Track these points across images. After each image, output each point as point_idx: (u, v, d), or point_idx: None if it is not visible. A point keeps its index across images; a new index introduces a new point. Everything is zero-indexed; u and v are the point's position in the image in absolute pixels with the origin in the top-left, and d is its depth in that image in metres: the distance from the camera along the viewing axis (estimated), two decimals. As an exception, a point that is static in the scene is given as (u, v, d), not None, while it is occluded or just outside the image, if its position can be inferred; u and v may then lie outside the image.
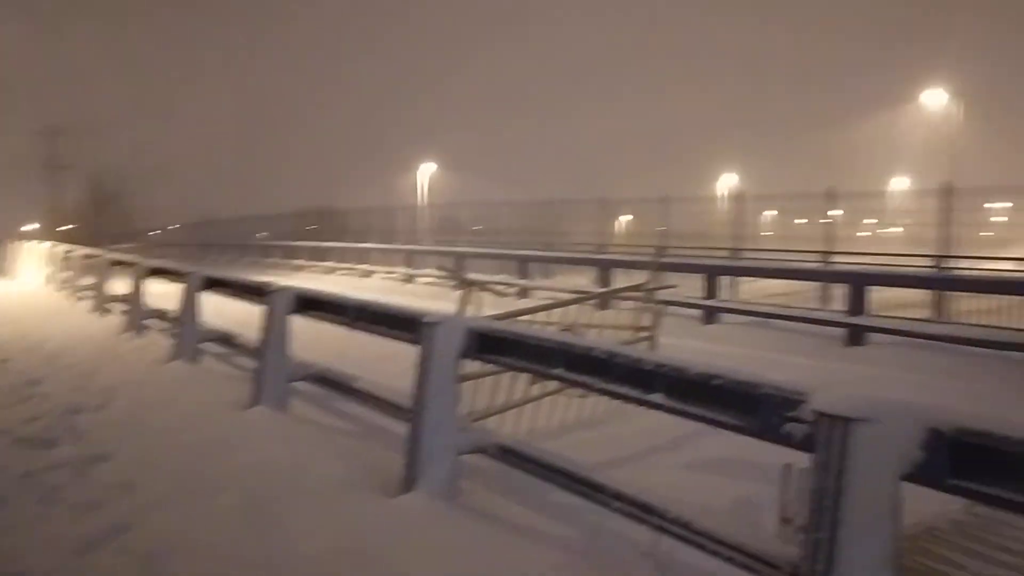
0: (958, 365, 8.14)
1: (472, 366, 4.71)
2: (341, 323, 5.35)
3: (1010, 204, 22.11)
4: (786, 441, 2.46)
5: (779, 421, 2.47)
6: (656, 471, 4.81)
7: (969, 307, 11.60)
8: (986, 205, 21.63)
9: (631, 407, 3.33)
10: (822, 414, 2.26)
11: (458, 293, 7.31)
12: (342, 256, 24.11)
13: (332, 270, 23.03)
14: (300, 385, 6.03)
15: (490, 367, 4.76)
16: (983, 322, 10.46)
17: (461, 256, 18.40)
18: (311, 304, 5.75)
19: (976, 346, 8.43)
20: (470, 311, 5.98)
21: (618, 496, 3.39)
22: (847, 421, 2.18)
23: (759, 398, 2.56)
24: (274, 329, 5.76)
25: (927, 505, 3.65)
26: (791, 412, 2.43)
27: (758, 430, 2.58)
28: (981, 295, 10.85)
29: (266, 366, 5.68)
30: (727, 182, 39.49)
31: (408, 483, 3.97)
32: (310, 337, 6.31)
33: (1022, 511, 1.99)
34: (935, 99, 28.39)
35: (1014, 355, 8.08)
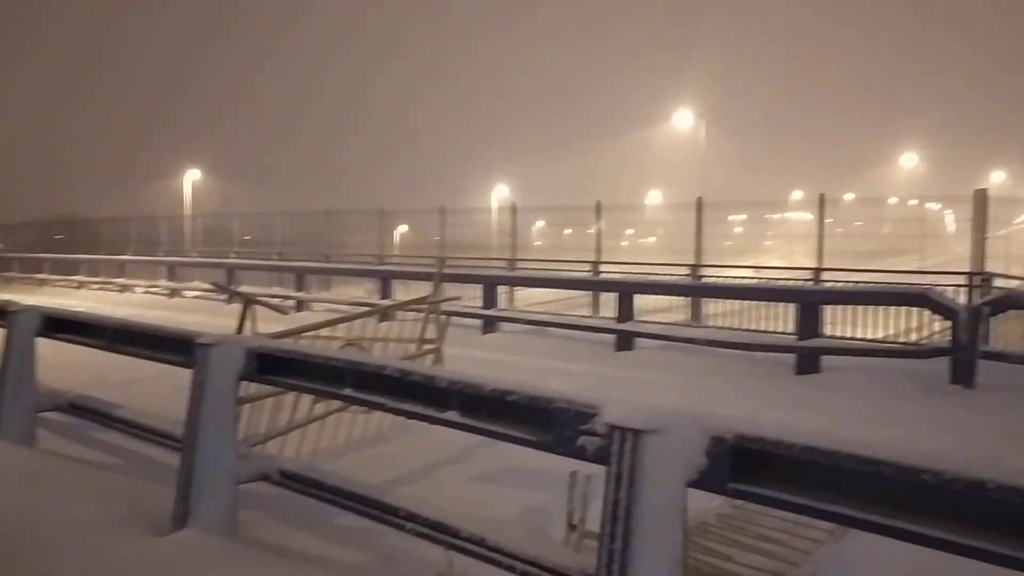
0: (712, 365, 8.87)
1: (251, 386, 4.44)
2: (99, 346, 4.84)
3: (744, 216, 24.61)
4: (580, 455, 2.51)
5: (573, 435, 2.52)
6: (445, 486, 4.79)
7: (716, 310, 12.74)
8: (729, 218, 23.88)
9: (416, 421, 3.27)
10: (614, 427, 2.33)
11: (229, 308, 6.89)
12: (94, 269, 22.05)
13: (83, 284, 21.01)
14: (51, 416, 5.39)
15: (270, 388, 4.51)
16: (729, 325, 11.57)
17: (232, 268, 17.46)
18: (62, 325, 5.16)
19: (726, 348, 9.25)
20: (247, 328, 5.64)
21: (411, 517, 3.32)
22: (638, 433, 2.25)
23: (553, 413, 2.60)
24: (15, 354, 5.10)
25: (695, 502, 3.94)
26: (584, 426, 2.49)
27: (553, 445, 2.62)
28: (727, 300, 11.97)
29: (5, 396, 5.02)
30: (499, 194, 40.64)
31: (180, 519, 3.65)
32: (65, 361, 5.66)
33: (793, 509, 2.15)
34: (684, 119, 31.00)
35: (756, 355, 8.96)
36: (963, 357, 7.44)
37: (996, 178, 46.03)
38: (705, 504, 4.03)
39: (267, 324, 6.06)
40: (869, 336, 9.75)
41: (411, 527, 3.31)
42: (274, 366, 3.74)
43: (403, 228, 24.62)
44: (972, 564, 1.86)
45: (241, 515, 3.84)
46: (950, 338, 7.59)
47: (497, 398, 2.80)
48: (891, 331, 9.95)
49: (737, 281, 13.18)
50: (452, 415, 2.97)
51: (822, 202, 13.50)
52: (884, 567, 3.44)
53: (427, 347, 6.39)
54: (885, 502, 1.97)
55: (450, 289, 8.97)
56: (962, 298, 10.00)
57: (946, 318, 7.70)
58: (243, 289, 10.99)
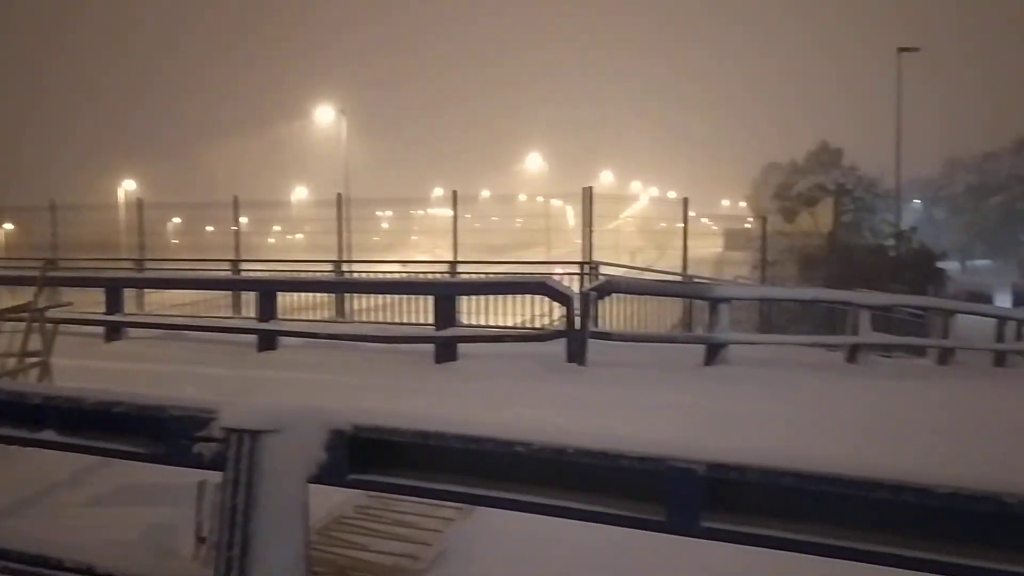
0: (356, 361, 8.97)
1: None
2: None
3: (391, 212, 25.24)
4: (197, 463, 2.38)
5: (189, 443, 2.38)
6: (57, 514, 4.27)
7: (365, 306, 12.92)
8: (377, 213, 24.30)
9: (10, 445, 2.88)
10: (230, 430, 2.24)
11: None
12: None
13: None
14: None
15: None
16: (377, 319, 11.80)
17: None
18: None
19: (371, 342, 9.42)
20: None
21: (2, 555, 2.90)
22: (255, 434, 2.19)
23: (166, 422, 2.43)
24: None
25: (335, 496, 3.96)
26: (201, 432, 2.37)
27: (168, 456, 2.45)
28: (374, 295, 12.19)
29: None
30: (126, 189, 37.18)
31: None
32: None
33: (408, 492, 2.25)
34: (326, 116, 30.92)
35: (402, 348, 9.25)
36: (576, 338, 8.35)
37: (605, 178, 52.32)
38: (343, 497, 4.07)
39: None
40: (511, 323, 10.57)
41: (3, 565, 2.89)
42: None
43: (8, 227, 21.68)
44: (585, 527, 2.09)
45: None
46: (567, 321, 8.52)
47: (102, 411, 2.55)
48: (527, 317, 10.89)
49: (378, 276, 13.47)
50: (49, 434, 2.65)
51: (455, 199, 14.30)
52: (510, 536, 3.73)
53: (31, 361, 5.64)
54: (490, 476, 2.14)
55: (68, 295, 8.03)
56: (576, 285, 11.24)
57: (561, 304, 8.60)
58: None
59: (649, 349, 9.71)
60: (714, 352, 8.83)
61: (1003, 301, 33.74)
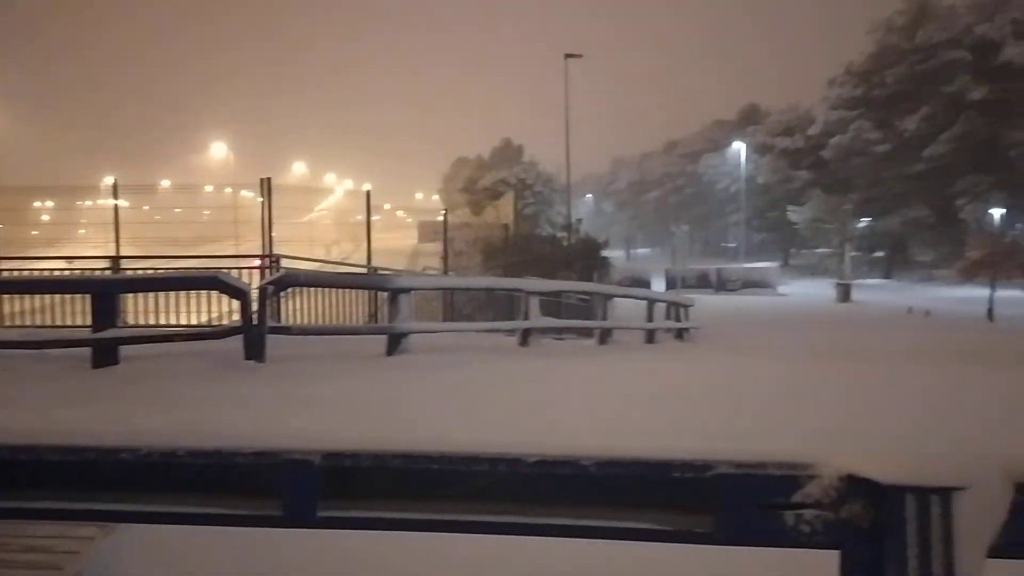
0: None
1: None
2: None
3: (52, 203, 22.57)
4: None
5: None
6: None
7: (14, 309, 11.44)
8: (36, 204, 21.56)
9: None
10: None
11: None
12: None
13: None
14: None
15: None
16: (35, 323, 10.47)
17: None
18: None
19: (17, 349, 8.37)
20: None
21: None
22: None
23: None
24: None
25: None
26: None
27: None
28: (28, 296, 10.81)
29: None
30: None
31: None
32: None
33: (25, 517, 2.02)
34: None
35: (53, 353, 8.30)
36: (254, 334, 8.06)
37: (298, 169, 51.12)
38: None
39: None
40: (198, 323, 9.91)
41: None
42: None
43: None
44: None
45: None
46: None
47: None
48: (217, 315, 10.29)
49: (26, 275, 11.97)
50: None
51: (115, 188, 13.12)
52: (153, 552, 3.50)
53: None
54: (94, 487, 1.98)
55: None
56: (257, 280, 10.84)
57: (236, 299, 8.25)
58: None
59: (336, 342, 9.67)
60: (395, 342, 9.00)
61: (658, 284, 38.31)
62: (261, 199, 11.74)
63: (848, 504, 1.68)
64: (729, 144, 66.13)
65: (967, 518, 1.59)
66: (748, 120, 73.23)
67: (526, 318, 10.79)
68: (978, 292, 34.07)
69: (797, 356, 12.38)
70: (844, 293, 40.91)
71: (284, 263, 11.48)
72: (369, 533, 2.02)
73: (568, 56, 29.53)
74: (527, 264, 19.25)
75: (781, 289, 46.70)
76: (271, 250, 11.80)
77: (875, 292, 45.06)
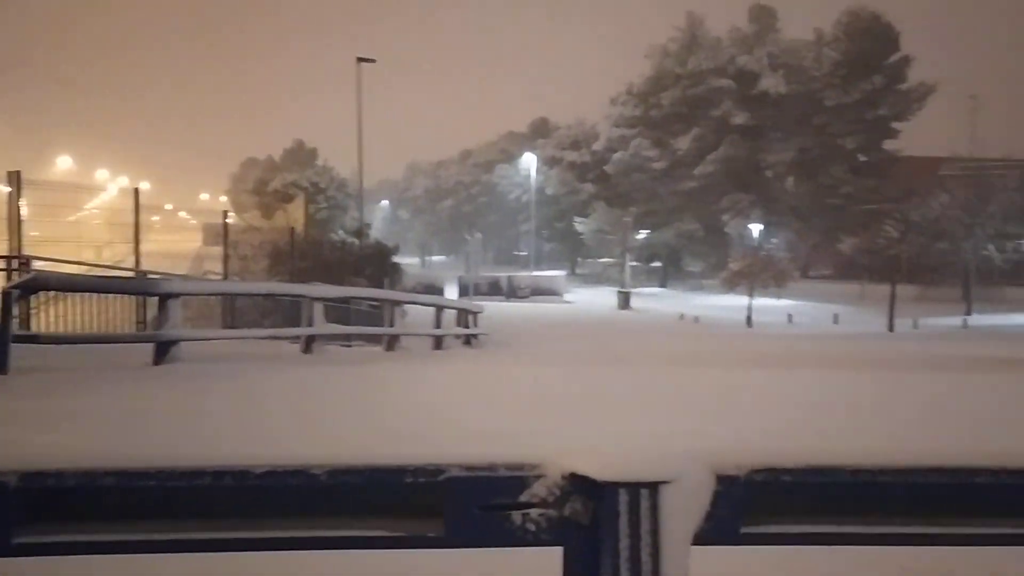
0: None
1: None
2: None
3: None
4: None
5: None
6: None
7: None
8: None
9: None
10: None
11: None
12: None
13: None
14: None
15: None
16: None
17: None
18: None
19: None
20: None
21: None
22: None
23: None
24: None
25: None
26: None
27: None
28: None
29: None
30: None
31: None
32: None
33: None
34: None
35: None
36: (-6, 343, 7.23)
37: (63, 163, 46.78)
38: None
39: None
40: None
41: None
42: None
43: None
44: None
45: None
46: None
47: None
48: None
49: None
50: None
51: None
52: None
53: None
54: None
55: None
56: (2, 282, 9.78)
57: (-28, 304, 7.37)
58: None
59: (96, 351, 8.91)
60: (164, 350, 8.42)
61: (452, 292, 38.77)
62: (9, 190, 10.54)
63: (570, 502, 1.75)
64: (521, 155, 68.23)
65: (673, 509, 1.69)
66: (538, 133, 75.98)
67: (310, 325, 10.50)
68: (741, 300, 37.46)
69: (569, 360, 12.96)
70: (624, 301, 43.48)
71: (38, 265, 10.42)
72: (102, 559, 1.83)
73: (361, 60, 29.14)
74: (315, 270, 18.74)
75: (568, 296, 48.84)
76: (19, 250, 10.66)
77: (652, 300, 48.28)
